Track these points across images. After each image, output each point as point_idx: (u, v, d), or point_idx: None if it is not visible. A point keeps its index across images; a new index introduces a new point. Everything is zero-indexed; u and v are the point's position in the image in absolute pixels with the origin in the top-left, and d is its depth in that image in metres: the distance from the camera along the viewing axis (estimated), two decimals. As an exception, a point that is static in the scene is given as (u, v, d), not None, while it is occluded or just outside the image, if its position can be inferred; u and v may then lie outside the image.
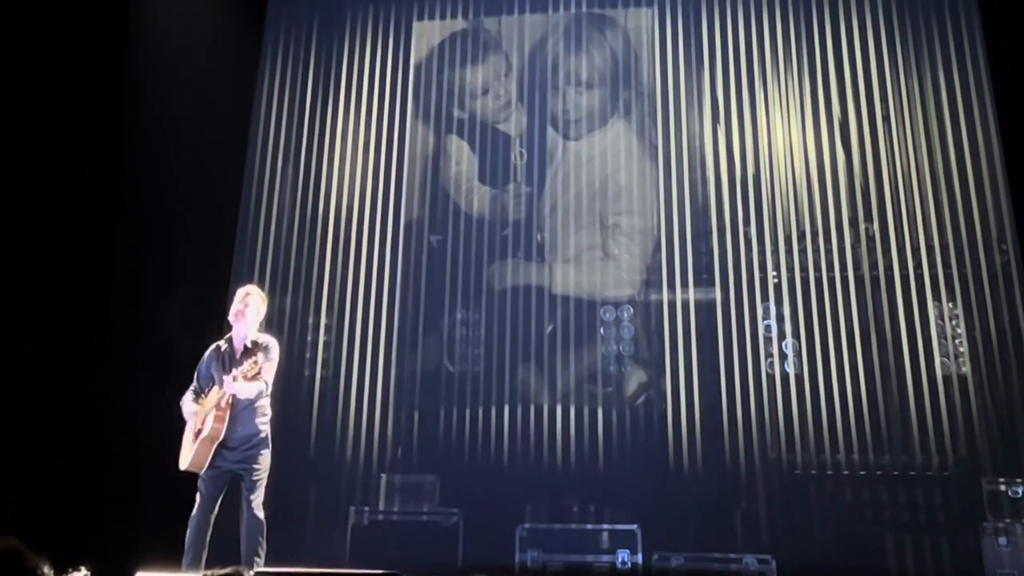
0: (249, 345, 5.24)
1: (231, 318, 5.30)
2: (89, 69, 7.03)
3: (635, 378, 7.21)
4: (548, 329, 7.41)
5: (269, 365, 5.16)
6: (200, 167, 7.55)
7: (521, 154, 7.93)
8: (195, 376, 5.38)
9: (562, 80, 8.09)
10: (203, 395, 5.26)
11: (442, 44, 8.38)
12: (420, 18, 8.48)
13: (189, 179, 7.49)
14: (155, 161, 7.33)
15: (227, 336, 5.36)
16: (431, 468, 7.12)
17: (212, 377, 5.26)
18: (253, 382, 5.01)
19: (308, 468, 7.18)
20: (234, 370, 4.99)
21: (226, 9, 8.17)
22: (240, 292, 5.38)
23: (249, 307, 5.26)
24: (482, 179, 7.93)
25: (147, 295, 7.14)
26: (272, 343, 5.29)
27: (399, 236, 7.83)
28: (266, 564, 5.10)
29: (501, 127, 8.07)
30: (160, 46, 7.57)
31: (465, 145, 8.05)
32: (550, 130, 7.97)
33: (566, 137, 7.93)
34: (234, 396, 5.03)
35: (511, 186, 7.87)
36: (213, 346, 5.40)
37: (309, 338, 7.61)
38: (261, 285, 7.66)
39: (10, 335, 6.30)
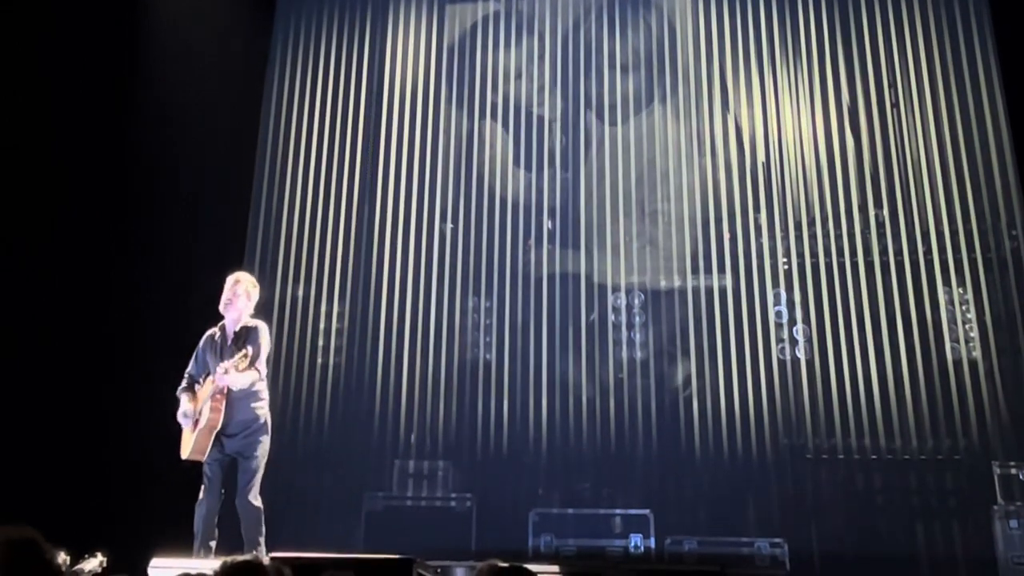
0: (239, 331, 5.23)
1: (221, 307, 5.24)
2: (99, 56, 7.03)
3: (646, 364, 7.23)
4: (559, 316, 7.44)
5: (259, 352, 5.13)
6: (212, 154, 7.57)
7: (560, 138, 7.91)
8: (191, 362, 5.35)
9: (605, 63, 8.06)
10: (198, 384, 5.26)
11: (475, 26, 8.36)
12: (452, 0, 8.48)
13: (201, 167, 7.51)
14: (166, 150, 7.35)
15: (220, 323, 5.33)
16: (444, 454, 7.17)
17: (207, 363, 5.25)
18: (246, 373, 5.00)
19: (323, 454, 7.23)
20: (225, 362, 4.96)
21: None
22: (229, 280, 5.31)
23: (238, 296, 5.22)
24: (519, 164, 7.92)
25: (159, 284, 7.17)
26: (260, 327, 5.26)
27: (411, 222, 7.85)
28: (281, 549, 5.10)
29: (544, 111, 8.05)
30: (170, 34, 7.57)
31: (500, 129, 8.05)
32: (588, 114, 7.96)
33: (611, 124, 7.90)
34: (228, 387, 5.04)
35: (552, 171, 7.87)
36: (208, 332, 5.38)
37: (322, 325, 7.65)
38: (273, 273, 7.76)
39: (25, 326, 6.33)
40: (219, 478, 5.13)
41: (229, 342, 5.22)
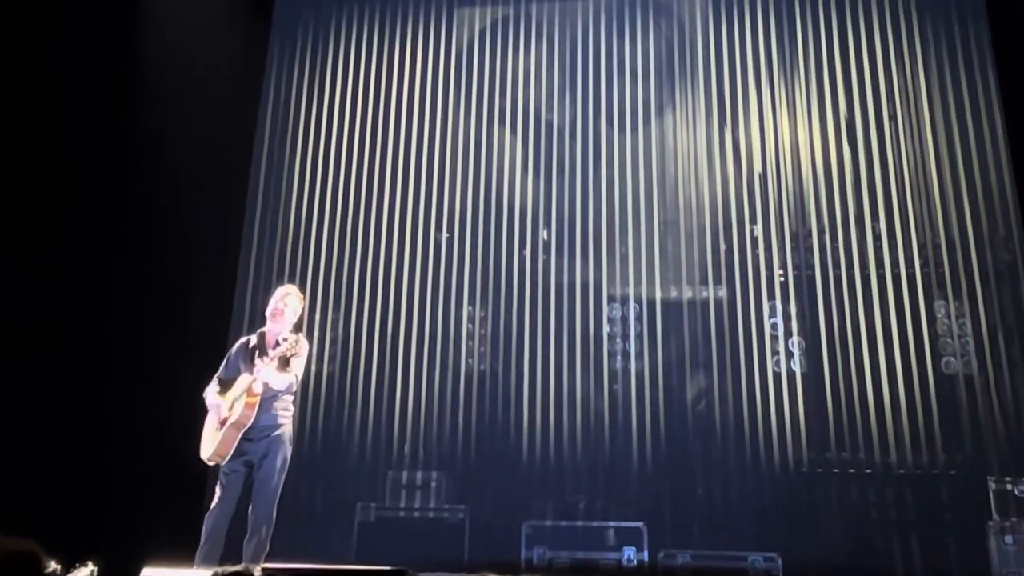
0: (280, 342, 5.24)
1: (268, 314, 5.33)
2: (95, 59, 7.01)
3: (641, 375, 7.20)
4: (554, 326, 7.42)
5: (299, 360, 5.22)
6: (206, 162, 7.55)
7: (555, 148, 7.89)
8: (223, 364, 5.41)
9: (603, 75, 8.04)
10: (228, 386, 5.30)
11: (473, 33, 8.33)
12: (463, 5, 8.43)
13: (196, 174, 7.48)
14: (161, 156, 7.33)
15: (259, 331, 5.39)
16: (438, 465, 7.14)
17: (239, 368, 5.30)
18: (284, 373, 5.08)
19: (315, 464, 7.19)
20: (270, 351, 5.04)
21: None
22: (280, 291, 5.44)
23: (288, 307, 5.32)
24: (512, 172, 7.89)
25: (155, 290, 7.14)
26: (304, 340, 5.33)
27: (406, 230, 7.82)
28: (273, 560, 5.08)
29: (542, 119, 8.02)
30: (168, 37, 7.54)
31: (496, 136, 8.00)
32: (585, 125, 7.93)
33: (608, 135, 7.86)
34: (264, 384, 5.06)
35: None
36: (243, 339, 5.47)
37: (316, 334, 7.61)
38: (268, 281, 7.73)
39: (20, 330, 6.30)
40: (236, 489, 5.13)
41: (269, 351, 5.24)
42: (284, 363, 5.12)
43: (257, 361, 5.09)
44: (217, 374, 5.39)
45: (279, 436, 5.15)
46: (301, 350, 5.20)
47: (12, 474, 5.84)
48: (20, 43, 6.63)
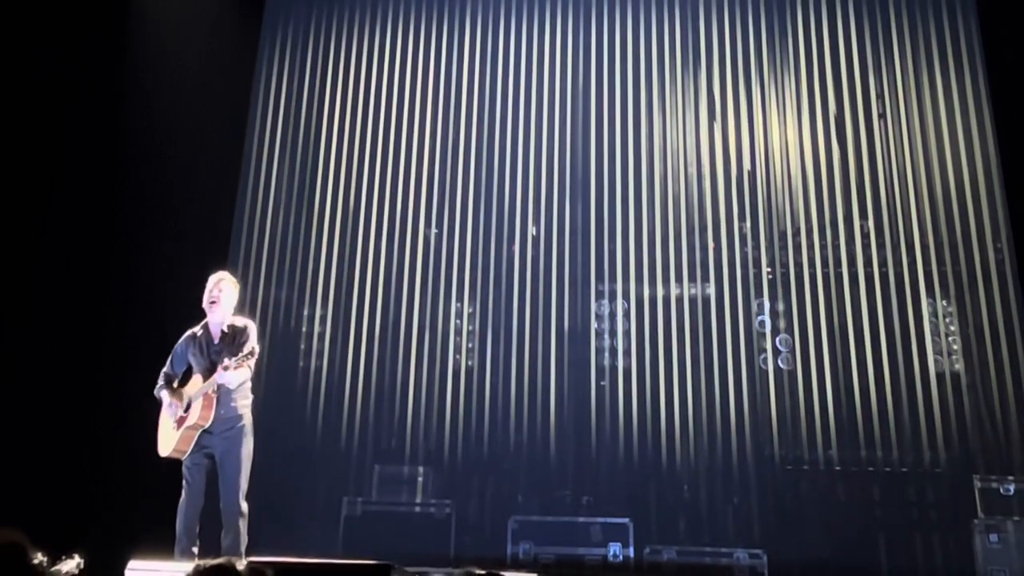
0: (226, 330, 5.19)
1: (205, 306, 5.21)
2: (87, 58, 7.03)
3: (629, 372, 7.21)
4: (542, 322, 7.43)
5: (254, 357, 5.10)
6: (197, 157, 7.55)
7: (545, 144, 7.88)
8: (168, 362, 5.32)
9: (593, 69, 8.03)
10: (175, 383, 5.26)
11: (461, 30, 8.34)
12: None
13: (186, 168, 7.49)
14: (152, 151, 7.33)
15: (202, 322, 5.30)
16: (424, 460, 7.15)
17: (188, 363, 5.24)
18: (241, 370, 4.97)
19: (302, 459, 7.20)
20: (228, 360, 4.90)
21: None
22: (212, 280, 5.28)
23: (223, 292, 5.19)
24: (503, 168, 7.88)
25: (143, 285, 7.14)
26: (251, 326, 5.24)
27: (395, 226, 7.84)
28: (259, 554, 5.07)
29: (531, 116, 8.01)
30: (157, 34, 7.55)
31: (485, 134, 7.99)
32: (574, 120, 7.92)
33: (598, 131, 7.85)
34: (221, 385, 5.00)
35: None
36: (188, 333, 5.34)
37: (304, 329, 7.64)
38: (257, 276, 7.75)
39: (7, 325, 6.31)
40: (200, 481, 5.09)
41: (216, 341, 5.18)
42: (249, 363, 5.03)
43: (220, 366, 4.93)
44: (164, 370, 5.31)
45: (240, 428, 5.09)
46: (256, 350, 5.08)
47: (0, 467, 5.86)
48: (13, 39, 6.63)
